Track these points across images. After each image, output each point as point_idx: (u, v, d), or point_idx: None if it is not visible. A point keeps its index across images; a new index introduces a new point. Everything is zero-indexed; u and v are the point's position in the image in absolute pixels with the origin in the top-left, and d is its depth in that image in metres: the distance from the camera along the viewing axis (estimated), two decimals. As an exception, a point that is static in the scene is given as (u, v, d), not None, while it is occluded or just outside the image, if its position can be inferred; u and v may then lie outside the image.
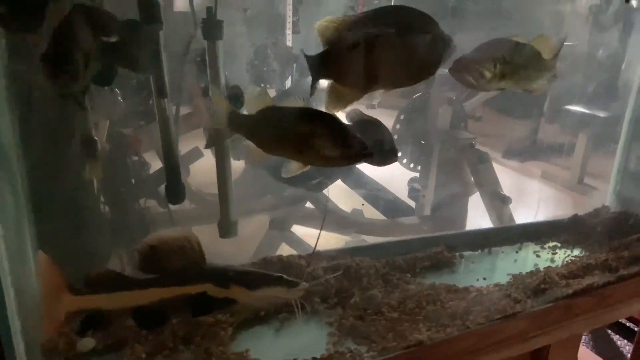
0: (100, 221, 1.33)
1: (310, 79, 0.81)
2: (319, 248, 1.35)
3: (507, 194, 2.09)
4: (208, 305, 0.90)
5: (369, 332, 1.07)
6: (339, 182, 2.31)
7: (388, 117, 2.31)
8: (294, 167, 0.87)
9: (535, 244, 1.47)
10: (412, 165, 2.34)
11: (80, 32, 0.83)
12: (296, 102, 0.83)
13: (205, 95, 1.24)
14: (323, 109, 0.84)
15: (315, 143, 0.81)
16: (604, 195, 1.71)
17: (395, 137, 2.27)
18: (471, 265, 1.36)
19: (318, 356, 1.00)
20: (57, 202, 1.08)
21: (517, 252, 1.44)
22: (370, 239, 2.05)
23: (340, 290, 1.18)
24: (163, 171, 1.20)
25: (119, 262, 1.45)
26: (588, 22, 2.33)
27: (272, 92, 3.07)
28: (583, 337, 2.25)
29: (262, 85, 3.22)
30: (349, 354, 1.01)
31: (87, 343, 0.99)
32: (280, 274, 0.94)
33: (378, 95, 0.89)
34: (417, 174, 2.31)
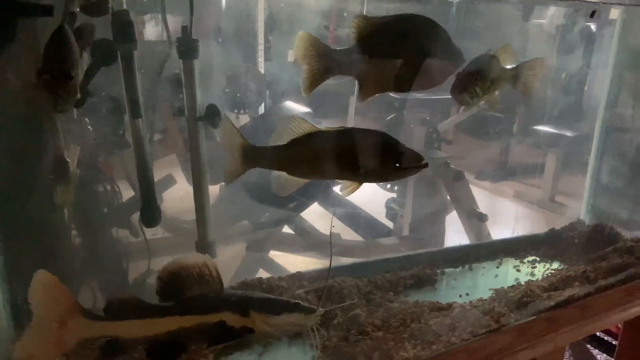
0: (71, 249, 1.28)
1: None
2: (299, 269, 1.34)
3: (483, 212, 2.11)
4: (226, 334, 0.85)
5: (354, 353, 1.04)
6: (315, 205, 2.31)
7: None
8: (350, 189, 0.85)
9: (515, 259, 1.48)
10: (388, 186, 2.34)
11: (73, 44, 0.82)
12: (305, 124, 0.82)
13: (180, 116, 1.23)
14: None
15: (373, 160, 0.81)
16: (576, 212, 1.74)
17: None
18: (453, 281, 1.36)
19: (302, 380, 0.97)
20: (25, 229, 1.03)
21: (497, 267, 1.45)
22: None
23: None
24: (135, 200, 1.16)
25: (91, 291, 1.40)
26: (555, 41, 2.42)
27: (245, 118, 3.07)
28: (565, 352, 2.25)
29: (236, 111, 3.23)
30: (334, 377, 0.98)
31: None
32: (297, 301, 0.91)
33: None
34: (394, 195, 2.32)
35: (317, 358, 0.99)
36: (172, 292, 0.84)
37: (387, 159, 0.82)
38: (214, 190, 2.34)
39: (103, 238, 1.46)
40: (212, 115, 1.09)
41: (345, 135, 0.83)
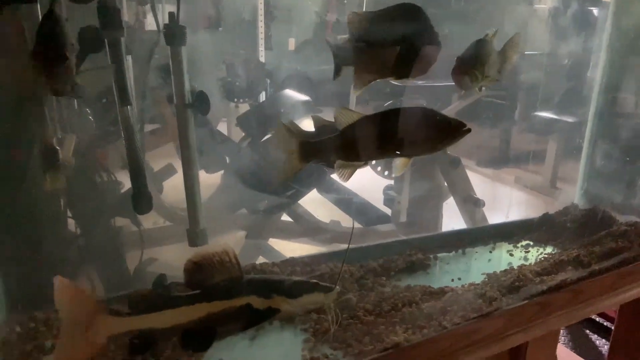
0: (65, 237, 1.29)
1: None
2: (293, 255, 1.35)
3: (480, 198, 2.10)
4: (254, 316, 0.89)
5: (345, 337, 1.05)
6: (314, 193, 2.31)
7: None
8: (401, 164, 0.90)
9: (509, 243, 1.48)
10: (386, 172, 2.34)
11: (64, 25, 0.82)
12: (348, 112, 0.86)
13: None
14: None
15: (424, 134, 0.86)
16: (570, 196, 1.74)
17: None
18: (446, 266, 1.36)
19: (293, 363, 0.98)
20: (14, 216, 1.04)
21: (490, 252, 1.45)
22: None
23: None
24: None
25: (89, 280, 1.42)
26: (547, 25, 2.39)
27: (245, 107, 3.07)
28: (562, 337, 2.26)
29: (236, 100, 3.23)
30: (324, 360, 0.99)
31: (52, 360, 0.95)
32: (315, 280, 0.94)
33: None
34: (392, 182, 2.32)
35: (332, 333, 1.04)
36: (198, 282, 0.87)
37: (435, 129, 0.86)
38: (214, 179, 2.36)
39: (100, 227, 1.47)
40: (201, 102, 1.09)
41: (390, 115, 0.88)
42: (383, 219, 2.28)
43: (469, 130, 0.87)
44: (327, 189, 2.43)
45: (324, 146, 0.89)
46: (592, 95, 1.59)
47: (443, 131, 0.86)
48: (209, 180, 2.44)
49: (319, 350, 1.02)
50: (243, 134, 2.63)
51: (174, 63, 1.07)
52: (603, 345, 2.25)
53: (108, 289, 1.44)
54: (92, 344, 0.81)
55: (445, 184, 2.14)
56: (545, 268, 1.28)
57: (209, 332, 0.87)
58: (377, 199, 2.39)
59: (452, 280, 1.28)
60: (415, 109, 0.89)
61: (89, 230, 1.42)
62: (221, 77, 3.08)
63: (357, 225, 2.27)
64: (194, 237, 1.17)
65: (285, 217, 2.44)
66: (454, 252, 1.43)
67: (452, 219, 2.14)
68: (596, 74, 1.59)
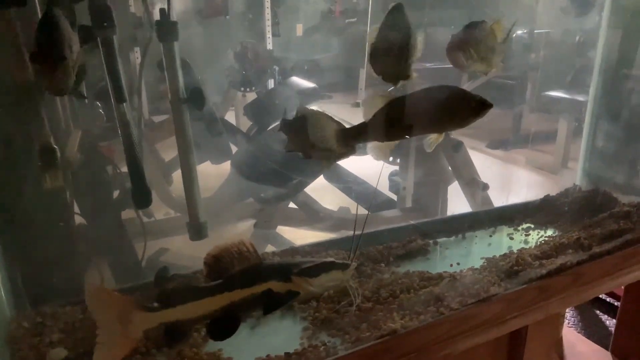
0: (72, 232, 1.32)
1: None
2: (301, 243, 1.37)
3: (485, 181, 2.09)
4: (276, 300, 0.93)
5: (343, 324, 1.07)
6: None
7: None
8: (434, 139, 0.98)
9: (509, 227, 1.47)
10: (391, 158, 2.34)
11: (63, 24, 0.84)
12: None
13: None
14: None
15: (450, 110, 0.92)
16: (572, 177, 1.72)
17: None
18: (446, 251, 1.37)
19: (291, 351, 0.99)
20: (21, 214, 1.07)
21: (490, 235, 1.45)
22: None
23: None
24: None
25: (98, 273, 1.45)
26: (556, 1, 2.35)
27: (252, 95, 3.08)
28: (570, 317, 2.26)
29: (242, 89, 3.23)
30: (322, 347, 1.00)
31: (59, 352, 0.99)
32: (331, 260, 0.99)
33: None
34: (397, 167, 2.32)
35: (355, 306, 1.08)
36: (219, 274, 0.92)
37: (462, 106, 0.91)
38: (222, 169, 2.39)
39: (107, 220, 1.50)
40: (196, 98, 1.10)
41: (418, 96, 0.93)
42: (389, 204, 2.29)
43: (492, 105, 0.92)
44: (334, 176, 2.45)
45: (359, 131, 0.95)
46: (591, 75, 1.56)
47: (471, 108, 0.91)
48: (217, 170, 2.47)
49: (317, 337, 1.04)
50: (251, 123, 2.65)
51: (167, 59, 1.08)
52: (612, 325, 2.24)
53: (118, 281, 1.48)
54: (129, 339, 0.87)
55: (450, 168, 2.14)
56: (545, 252, 1.28)
57: (233, 320, 0.91)
58: (383, 185, 2.39)
59: (451, 265, 1.28)
60: (441, 87, 0.93)
61: (96, 224, 1.45)
62: (228, 65, 3.09)
63: (363, 211, 2.28)
64: (195, 231, 1.18)
65: (293, 206, 2.46)
66: (454, 236, 1.43)
67: (457, 204, 2.13)
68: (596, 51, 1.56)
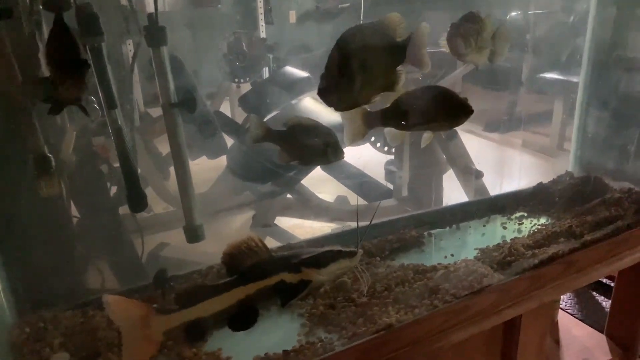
0: (72, 236, 1.34)
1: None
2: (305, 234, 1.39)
3: (482, 167, 2.10)
4: (290, 291, 0.99)
5: (339, 320, 1.09)
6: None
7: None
8: (428, 137, 1.03)
9: (502, 216, 1.49)
10: (386, 148, 2.35)
11: (73, 36, 0.85)
12: None
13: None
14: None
15: (454, 110, 0.96)
16: (565, 164, 1.73)
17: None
18: (440, 242, 1.38)
19: (289, 348, 1.01)
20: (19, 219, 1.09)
21: (484, 225, 1.46)
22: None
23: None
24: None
25: (99, 274, 1.47)
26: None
27: (247, 86, 3.07)
28: (567, 299, 2.28)
29: (237, 80, 3.22)
30: (319, 344, 1.02)
31: (62, 357, 1.01)
32: (338, 248, 1.03)
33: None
34: (392, 157, 2.33)
35: (366, 292, 1.13)
36: (235, 270, 0.97)
37: (455, 108, 0.96)
38: (218, 163, 2.40)
39: (104, 219, 1.51)
40: (188, 102, 1.11)
41: (425, 92, 0.97)
42: (386, 194, 2.30)
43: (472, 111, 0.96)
44: (333, 167, 2.45)
45: (379, 115, 0.99)
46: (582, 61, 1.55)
47: (462, 111, 0.96)
48: (212, 163, 2.48)
49: (314, 334, 1.06)
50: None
51: (156, 63, 1.09)
52: (609, 306, 2.26)
53: (119, 279, 1.50)
54: (152, 342, 0.91)
55: (444, 156, 2.15)
56: (538, 241, 1.30)
57: (252, 311, 0.97)
58: (379, 175, 2.40)
59: (445, 257, 1.30)
60: (439, 88, 0.98)
61: (95, 223, 1.47)
62: (221, 56, 3.07)
63: (361, 201, 2.29)
64: (192, 233, 1.20)
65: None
66: (448, 227, 1.45)
67: (453, 192, 2.14)
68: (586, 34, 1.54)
